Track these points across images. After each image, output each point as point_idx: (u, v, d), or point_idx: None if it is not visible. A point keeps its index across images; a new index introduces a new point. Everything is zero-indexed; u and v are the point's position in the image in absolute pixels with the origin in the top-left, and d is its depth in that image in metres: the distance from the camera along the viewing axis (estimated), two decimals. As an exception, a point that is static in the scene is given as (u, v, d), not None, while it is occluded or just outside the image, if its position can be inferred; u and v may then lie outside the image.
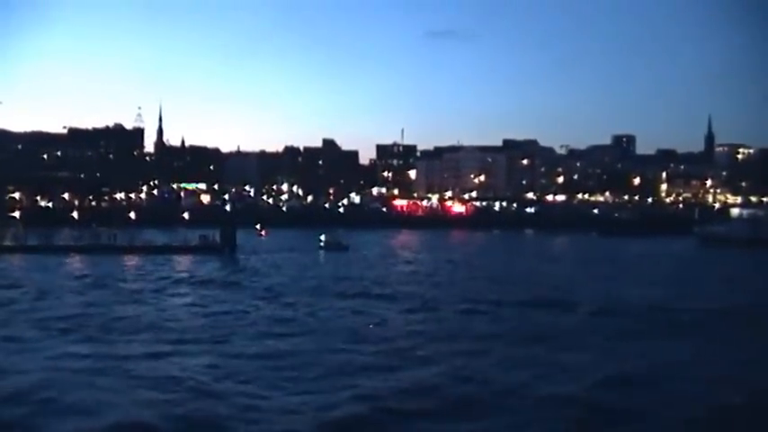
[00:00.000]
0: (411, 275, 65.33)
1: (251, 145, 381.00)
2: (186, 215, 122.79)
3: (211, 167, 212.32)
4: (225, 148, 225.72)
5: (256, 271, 66.50)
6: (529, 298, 49.26)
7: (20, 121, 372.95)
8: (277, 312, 43.66)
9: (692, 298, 50.67)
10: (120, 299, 48.56)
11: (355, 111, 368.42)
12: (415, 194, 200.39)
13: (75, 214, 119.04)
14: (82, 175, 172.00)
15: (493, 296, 50.10)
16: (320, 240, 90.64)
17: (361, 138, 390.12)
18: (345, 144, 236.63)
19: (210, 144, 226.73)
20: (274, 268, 68.58)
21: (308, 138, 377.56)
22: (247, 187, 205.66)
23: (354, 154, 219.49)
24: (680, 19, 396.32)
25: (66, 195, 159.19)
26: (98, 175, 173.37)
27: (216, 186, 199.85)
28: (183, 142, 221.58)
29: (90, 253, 79.55)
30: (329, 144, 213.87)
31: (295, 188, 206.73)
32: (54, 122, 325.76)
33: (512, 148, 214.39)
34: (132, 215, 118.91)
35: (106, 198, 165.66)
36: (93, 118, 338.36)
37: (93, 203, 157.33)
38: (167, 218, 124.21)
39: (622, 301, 48.13)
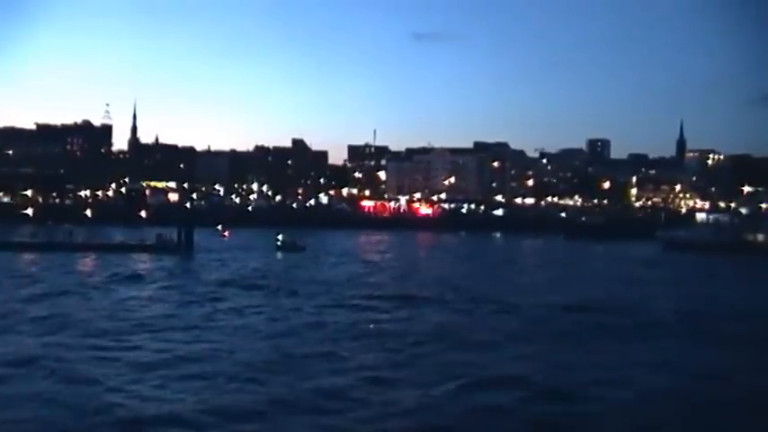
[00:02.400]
0: (352, 276, 64.52)
1: (226, 143, 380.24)
2: (144, 213, 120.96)
3: (181, 166, 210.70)
4: (199, 147, 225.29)
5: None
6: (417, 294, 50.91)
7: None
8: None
9: (620, 300, 51.38)
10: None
11: (329, 111, 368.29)
12: (386, 196, 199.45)
13: (29, 211, 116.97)
14: (46, 172, 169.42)
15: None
16: (277, 241, 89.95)
17: (336, 138, 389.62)
18: (321, 144, 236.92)
19: (185, 142, 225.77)
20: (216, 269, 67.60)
21: (282, 137, 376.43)
22: (217, 186, 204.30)
23: (324, 154, 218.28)
24: (659, 26, 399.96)
25: (28, 192, 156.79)
26: (62, 171, 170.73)
27: (186, 185, 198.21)
28: (156, 140, 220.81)
29: (44, 251, 78.10)
30: (299, 144, 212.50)
31: (265, 188, 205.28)
32: (29, 119, 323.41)
33: (482, 150, 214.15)
34: (88, 212, 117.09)
35: (70, 195, 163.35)
36: (70, 115, 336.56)
37: (57, 200, 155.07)
38: (130, 216, 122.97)
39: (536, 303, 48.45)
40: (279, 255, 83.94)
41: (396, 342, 34.78)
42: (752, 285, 65.88)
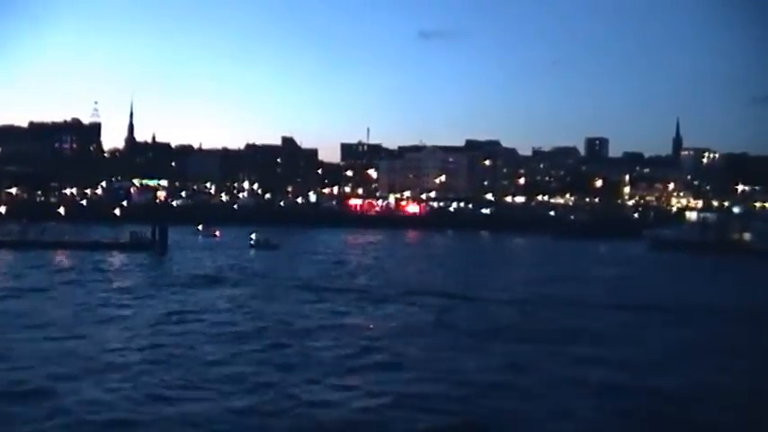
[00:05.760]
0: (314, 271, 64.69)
1: (220, 141, 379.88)
2: (117, 211, 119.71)
3: (173, 164, 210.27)
4: (196, 145, 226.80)
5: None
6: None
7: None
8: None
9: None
10: None
11: (324, 109, 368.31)
12: (378, 194, 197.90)
13: (2, 209, 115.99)
14: (29, 170, 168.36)
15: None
16: (251, 239, 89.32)
17: (330, 136, 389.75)
18: (315, 143, 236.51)
19: (182, 141, 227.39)
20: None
21: (276, 135, 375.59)
22: (208, 184, 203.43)
23: (314, 152, 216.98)
24: (657, 25, 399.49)
25: (13, 190, 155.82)
26: (49, 169, 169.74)
27: (177, 183, 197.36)
28: (153, 138, 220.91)
29: (16, 249, 77.36)
30: (288, 142, 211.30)
31: (255, 186, 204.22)
32: (26, 117, 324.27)
33: (474, 148, 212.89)
34: (62, 210, 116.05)
35: (56, 193, 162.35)
36: (67, 113, 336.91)
37: (42, 198, 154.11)
38: (107, 214, 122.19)
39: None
40: (252, 253, 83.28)
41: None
42: (716, 283, 64.98)
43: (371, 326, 38.67)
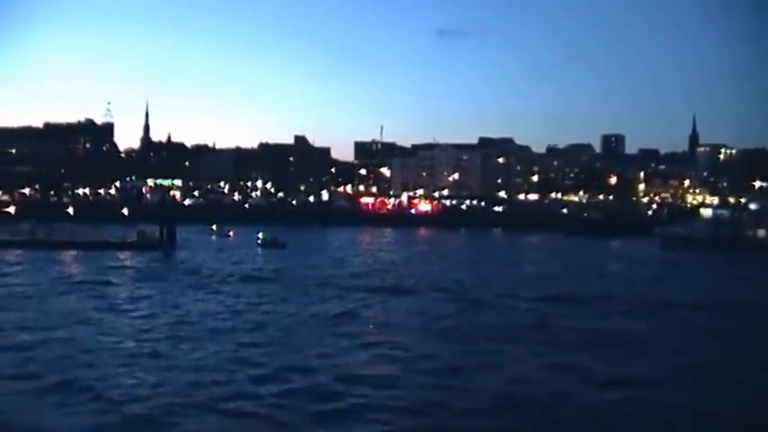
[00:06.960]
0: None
1: (236, 140, 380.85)
2: (126, 211, 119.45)
3: (186, 164, 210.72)
4: (210, 144, 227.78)
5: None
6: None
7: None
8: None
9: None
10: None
11: (337, 108, 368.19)
12: (391, 192, 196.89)
13: (11, 209, 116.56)
14: (42, 170, 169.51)
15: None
16: (258, 238, 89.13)
17: (345, 135, 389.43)
18: (329, 141, 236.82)
19: (196, 140, 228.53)
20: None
21: (290, 134, 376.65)
22: (222, 183, 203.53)
23: (327, 151, 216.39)
24: (673, 21, 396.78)
25: (26, 190, 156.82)
26: (63, 169, 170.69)
27: (191, 183, 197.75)
28: (168, 138, 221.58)
29: (25, 248, 77.78)
30: (301, 141, 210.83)
31: (269, 185, 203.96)
32: (42, 118, 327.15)
33: (487, 146, 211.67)
34: (70, 210, 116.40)
35: (69, 193, 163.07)
36: (83, 114, 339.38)
37: (55, 198, 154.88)
38: (114, 214, 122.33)
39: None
40: (259, 252, 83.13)
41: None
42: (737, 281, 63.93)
43: (371, 326, 38.15)
